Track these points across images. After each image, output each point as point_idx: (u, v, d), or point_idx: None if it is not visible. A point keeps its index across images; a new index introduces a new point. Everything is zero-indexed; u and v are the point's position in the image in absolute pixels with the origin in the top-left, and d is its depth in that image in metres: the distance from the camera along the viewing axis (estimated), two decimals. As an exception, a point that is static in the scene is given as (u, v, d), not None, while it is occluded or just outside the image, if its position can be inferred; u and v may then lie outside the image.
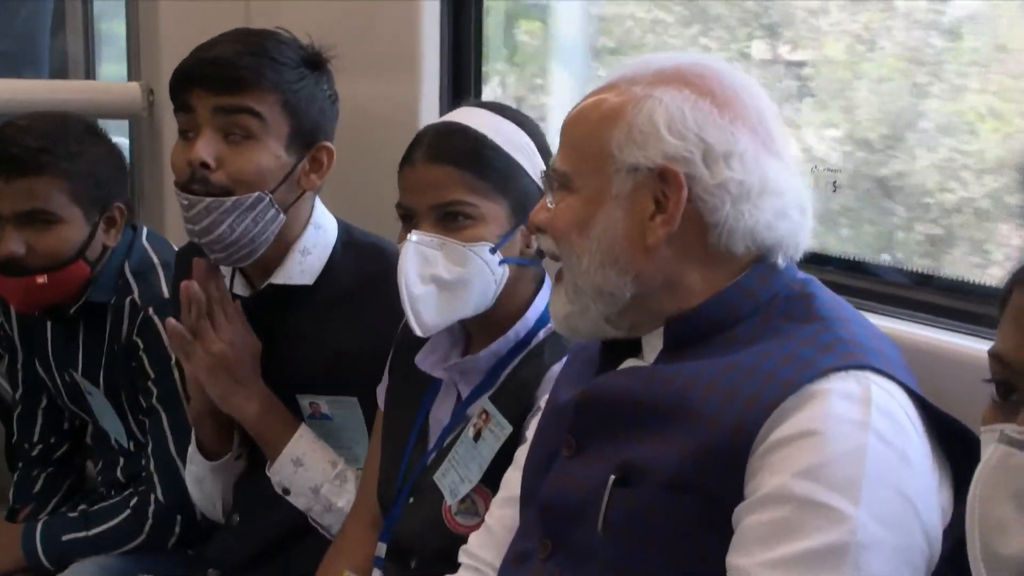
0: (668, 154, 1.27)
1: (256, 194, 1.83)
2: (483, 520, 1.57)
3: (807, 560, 1.13)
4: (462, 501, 1.65)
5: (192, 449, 2.03)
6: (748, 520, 1.17)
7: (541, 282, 1.72)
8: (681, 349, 1.31)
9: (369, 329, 1.91)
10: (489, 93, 2.53)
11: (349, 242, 1.99)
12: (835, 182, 1.80)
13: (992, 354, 1.06)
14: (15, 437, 2.53)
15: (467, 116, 1.71)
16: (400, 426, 1.79)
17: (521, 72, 2.64)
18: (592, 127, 1.33)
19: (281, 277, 1.93)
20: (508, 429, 1.61)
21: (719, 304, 1.30)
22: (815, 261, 1.68)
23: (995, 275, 1.61)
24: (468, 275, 1.63)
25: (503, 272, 1.65)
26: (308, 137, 1.88)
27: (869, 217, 1.79)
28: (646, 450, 1.25)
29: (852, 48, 1.83)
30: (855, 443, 1.15)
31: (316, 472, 1.91)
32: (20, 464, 2.51)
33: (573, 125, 1.36)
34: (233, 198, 1.82)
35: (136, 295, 2.15)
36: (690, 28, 2.15)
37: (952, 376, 1.41)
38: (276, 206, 1.86)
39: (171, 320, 1.92)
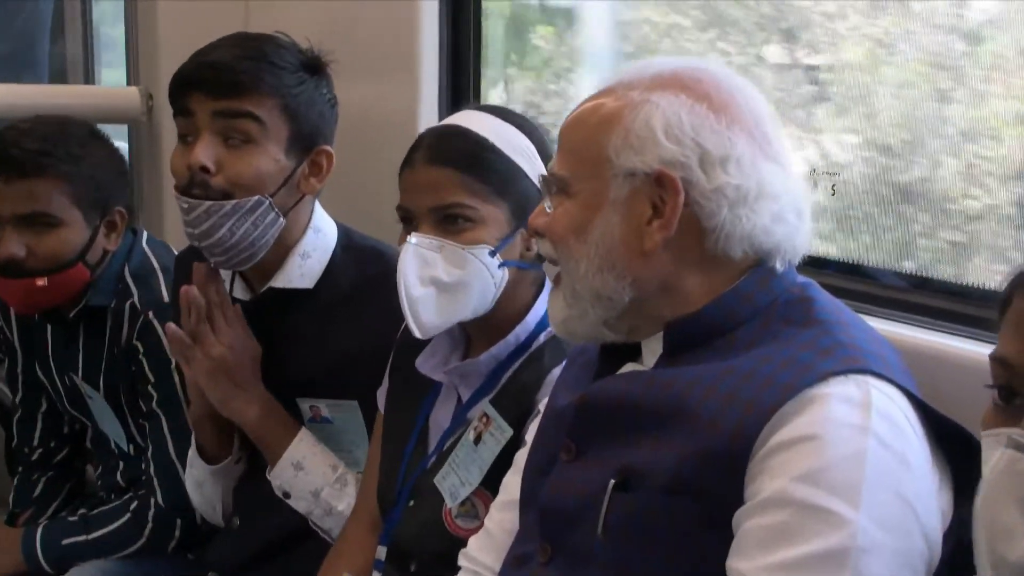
0: (665, 159, 1.27)
1: (256, 198, 1.83)
2: (483, 523, 1.57)
3: (807, 564, 1.13)
4: (462, 504, 1.65)
5: (192, 453, 2.03)
6: (748, 524, 1.17)
7: (541, 285, 1.72)
8: (680, 353, 1.31)
9: (369, 332, 1.91)
10: (496, 98, 2.52)
11: (349, 245, 1.99)
12: (833, 185, 1.80)
13: (995, 358, 1.06)
14: (15, 441, 2.53)
15: (468, 119, 1.71)
16: (400, 429, 1.79)
17: (537, 77, 2.62)
18: (590, 132, 1.33)
19: (281, 281, 1.93)
20: (508, 432, 1.61)
21: (718, 309, 1.30)
22: (814, 264, 1.68)
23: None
24: (467, 277, 1.63)
25: (502, 275, 1.65)
26: (307, 141, 1.89)
27: (890, 224, 1.77)
28: (645, 454, 1.25)
29: (872, 52, 1.81)
30: (855, 447, 1.15)
31: (316, 476, 1.91)
32: (20, 468, 2.51)
33: (571, 130, 1.36)
34: (233, 202, 1.82)
35: (136, 299, 2.15)
36: (707, 32, 2.12)
37: (951, 379, 1.41)
38: (276, 210, 1.86)
39: (171, 324, 1.93)
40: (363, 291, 1.94)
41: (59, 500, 2.47)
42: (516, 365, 1.68)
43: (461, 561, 1.55)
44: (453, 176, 1.63)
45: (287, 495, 1.92)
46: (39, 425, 2.50)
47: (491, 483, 1.60)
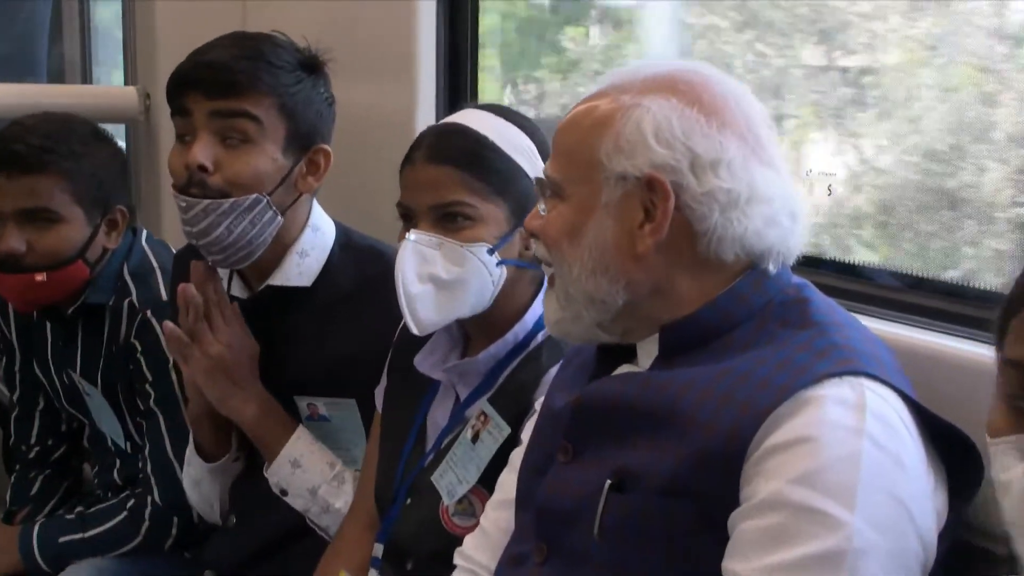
0: (655, 163, 1.27)
1: (253, 196, 1.83)
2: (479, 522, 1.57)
3: (803, 566, 1.13)
4: (459, 502, 1.65)
5: (190, 451, 2.03)
6: (744, 526, 1.17)
7: (540, 284, 1.72)
8: (676, 355, 1.31)
9: (367, 331, 1.91)
10: (505, 101, 2.49)
11: (347, 244, 2.00)
12: (830, 185, 1.80)
13: (1009, 361, 1.04)
14: (12, 439, 2.53)
15: (469, 118, 1.71)
16: (398, 427, 1.80)
17: (564, 80, 2.60)
18: (582, 135, 1.33)
19: (279, 279, 1.94)
20: (506, 431, 1.61)
21: (713, 311, 1.30)
22: (808, 264, 1.69)
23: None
24: (465, 275, 1.63)
25: (501, 273, 1.65)
26: (305, 140, 1.89)
27: (934, 231, 1.73)
28: (641, 456, 1.25)
29: (913, 54, 1.78)
30: (849, 449, 1.16)
31: (314, 473, 1.91)
32: (17, 466, 2.52)
33: (564, 132, 1.37)
34: (230, 200, 1.82)
35: (134, 297, 2.16)
36: (743, 34, 2.08)
37: (947, 379, 1.42)
38: (273, 208, 1.86)
39: (168, 323, 1.93)
40: (361, 290, 1.94)
41: (56, 498, 2.47)
42: (514, 364, 1.68)
43: (457, 560, 1.55)
44: (453, 174, 1.63)
45: (284, 493, 1.92)
46: (37, 423, 2.50)
47: (488, 481, 1.60)
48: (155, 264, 2.23)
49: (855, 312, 1.42)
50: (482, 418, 1.65)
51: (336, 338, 1.93)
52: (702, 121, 1.28)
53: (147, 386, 2.14)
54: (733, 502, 1.19)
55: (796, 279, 1.36)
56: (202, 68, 1.85)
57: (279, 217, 1.87)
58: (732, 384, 1.23)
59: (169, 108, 1.89)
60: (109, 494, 2.30)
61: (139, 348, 2.13)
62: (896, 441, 1.19)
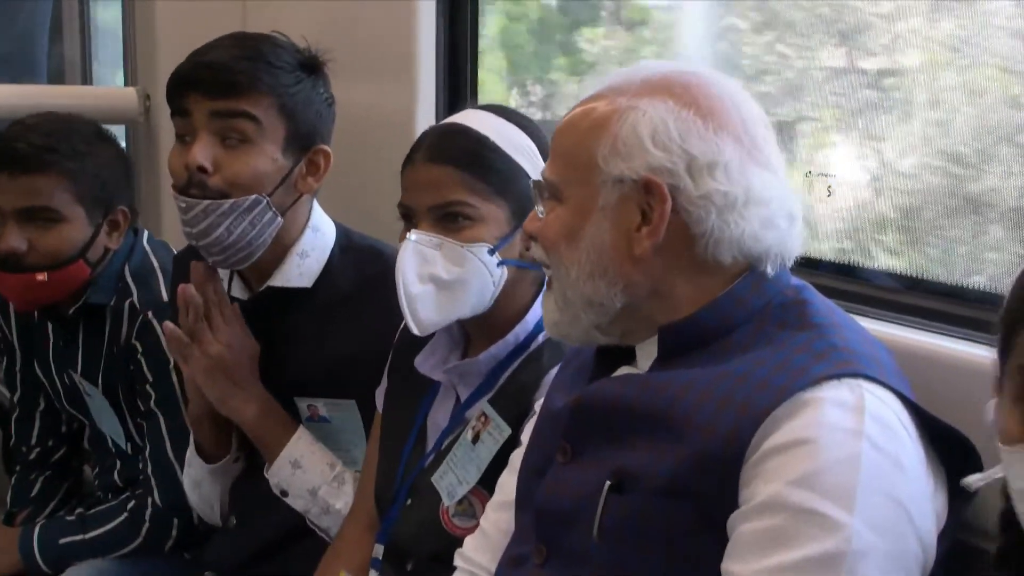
0: (652, 166, 1.27)
1: (253, 197, 1.83)
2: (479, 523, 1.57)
3: (803, 568, 1.13)
4: (459, 503, 1.65)
5: (190, 452, 2.03)
6: (743, 528, 1.17)
7: (541, 285, 1.72)
8: (675, 357, 1.31)
9: (367, 332, 1.91)
10: (512, 103, 2.47)
11: (347, 245, 2.00)
12: (829, 186, 1.79)
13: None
14: (13, 440, 2.54)
15: (469, 118, 1.71)
16: (399, 428, 1.80)
17: (581, 82, 2.57)
18: (580, 137, 1.33)
19: (279, 280, 1.94)
20: (507, 432, 1.61)
21: (712, 313, 1.30)
22: (806, 265, 1.68)
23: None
24: (466, 275, 1.63)
25: (501, 274, 1.65)
26: (305, 140, 1.89)
27: (959, 236, 1.69)
28: (640, 457, 1.25)
29: (936, 56, 1.74)
30: (848, 451, 1.16)
31: (314, 474, 1.91)
32: (18, 467, 2.52)
33: (562, 134, 1.37)
34: (230, 201, 1.82)
35: (135, 298, 2.16)
36: (763, 35, 2.05)
37: (946, 380, 1.42)
38: (273, 209, 1.86)
39: (169, 323, 1.93)
40: (362, 291, 1.94)
41: (57, 499, 2.47)
42: (515, 365, 1.68)
43: (457, 561, 1.55)
44: (454, 174, 1.63)
45: (285, 493, 1.92)
46: (37, 424, 2.51)
47: (488, 482, 1.60)
48: (156, 265, 2.23)
49: (855, 314, 1.42)
50: (482, 419, 1.65)
51: (336, 339, 1.93)
52: (698, 123, 1.28)
53: (148, 387, 2.14)
54: (732, 503, 1.19)
55: (795, 281, 1.35)
56: (202, 68, 1.85)
57: (279, 218, 1.87)
58: (731, 386, 1.22)
59: (169, 109, 1.89)
60: (109, 495, 2.31)
61: (140, 349, 2.13)
62: (895, 443, 1.19)
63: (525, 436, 1.52)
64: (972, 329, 1.52)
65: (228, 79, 1.83)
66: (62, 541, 2.18)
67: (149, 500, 2.14)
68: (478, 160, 1.64)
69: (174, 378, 2.10)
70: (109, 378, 2.21)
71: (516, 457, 1.52)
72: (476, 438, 1.65)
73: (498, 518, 1.52)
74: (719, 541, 1.20)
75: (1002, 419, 1.04)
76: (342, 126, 1.98)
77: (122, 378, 2.19)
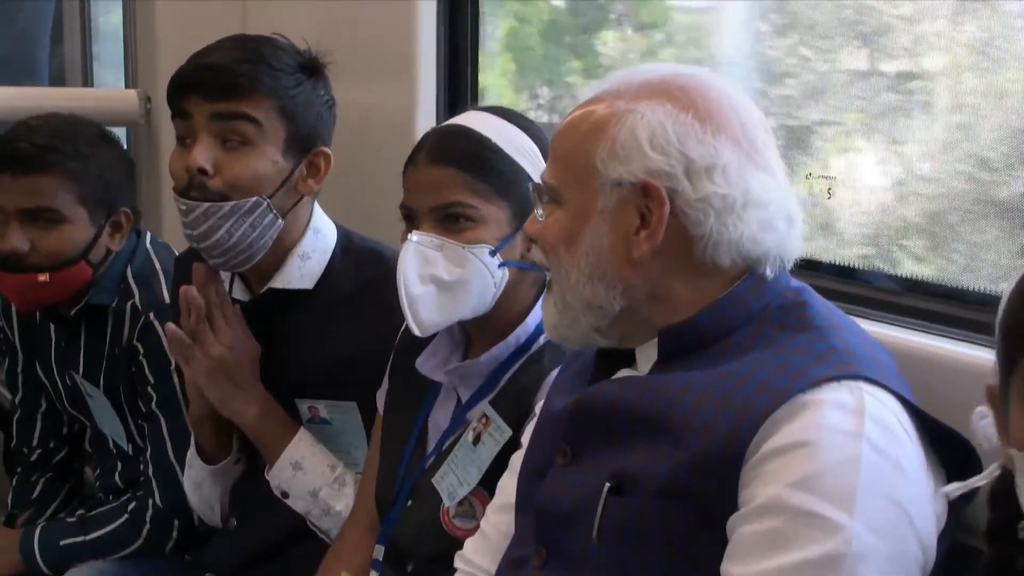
0: (650, 169, 1.27)
1: (254, 199, 1.84)
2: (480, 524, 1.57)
3: (802, 570, 1.13)
4: (460, 504, 1.65)
5: (191, 453, 2.04)
6: (743, 530, 1.17)
7: (542, 287, 1.72)
8: (674, 359, 1.31)
9: (368, 333, 1.91)
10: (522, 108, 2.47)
11: (348, 247, 2.00)
12: (830, 188, 1.79)
13: None
14: (14, 442, 2.54)
15: (471, 119, 1.72)
16: (399, 429, 1.80)
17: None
18: (579, 140, 1.33)
19: (280, 281, 1.94)
20: (508, 433, 1.61)
21: (711, 315, 1.30)
22: (806, 267, 1.68)
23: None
24: (467, 276, 1.63)
25: (503, 275, 1.65)
26: (305, 142, 1.89)
27: (985, 242, 1.67)
28: (640, 459, 1.25)
29: (960, 59, 1.71)
30: (848, 453, 1.15)
31: (315, 476, 1.91)
32: (19, 469, 2.52)
33: (561, 138, 1.37)
34: (231, 203, 1.82)
35: (137, 300, 2.16)
36: (785, 38, 2.02)
37: (945, 382, 1.41)
38: (274, 211, 1.86)
39: (170, 325, 1.93)
40: (362, 292, 1.94)
41: (58, 501, 2.48)
42: (516, 366, 1.68)
43: (457, 563, 1.55)
44: (455, 175, 1.63)
45: (285, 495, 1.92)
46: (38, 425, 2.51)
47: (489, 484, 1.60)
48: (158, 267, 2.23)
49: (854, 315, 1.42)
50: (483, 420, 1.65)
51: (337, 340, 1.93)
52: (697, 126, 1.28)
53: (149, 389, 2.14)
54: (732, 505, 1.19)
55: (795, 283, 1.35)
56: (202, 71, 1.85)
57: (280, 220, 1.88)
58: (730, 388, 1.22)
59: (169, 111, 1.89)
60: (110, 497, 2.31)
61: (141, 351, 2.14)
62: (895, 445, 1.19)
63: (525, 438, 1.52)
64: (972, 331, 1.52)
65: (229, 81, 1.83)
66: (63, 542, 2.18)
67: (150, 501, 2.14)
68: (480, 161, 1.64)
69: (175, 379, 2.10)
70: (110, 379, 2.21)
71: (516, 459, 1.52)
72: (477, 439, 1.65)
73: (498, 520, 1.52)
74: (719, 543, 1.19)
75: (1016, 423, 1.02)
76: (342, 127, 1.98)
77: (123, 379, 2.19)
